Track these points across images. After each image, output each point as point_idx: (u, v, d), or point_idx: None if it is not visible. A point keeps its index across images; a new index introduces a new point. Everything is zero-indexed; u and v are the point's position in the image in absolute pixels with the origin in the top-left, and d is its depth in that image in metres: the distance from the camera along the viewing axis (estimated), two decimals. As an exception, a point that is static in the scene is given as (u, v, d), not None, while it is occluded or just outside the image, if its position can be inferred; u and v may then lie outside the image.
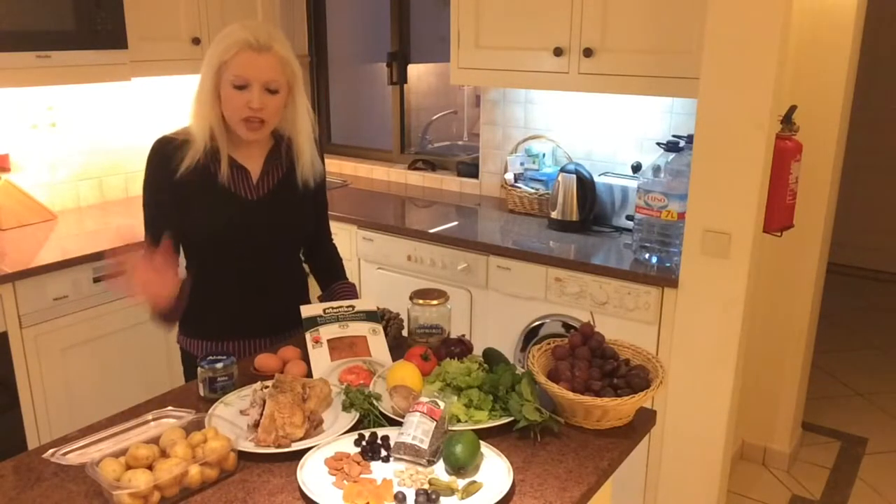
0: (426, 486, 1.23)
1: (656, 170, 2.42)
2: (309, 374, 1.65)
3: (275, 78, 1.65)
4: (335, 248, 2.05)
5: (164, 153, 1.71)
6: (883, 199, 5.11)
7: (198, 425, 1.38)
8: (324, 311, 1.76)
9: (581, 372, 1.47)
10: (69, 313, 2.55)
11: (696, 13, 2.30)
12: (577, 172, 2.79)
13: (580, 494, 1.26)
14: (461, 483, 1.25)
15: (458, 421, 1.41)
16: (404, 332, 1.87)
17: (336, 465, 1.29)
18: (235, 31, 1.64)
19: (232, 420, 1.43)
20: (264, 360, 1.69)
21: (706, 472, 2.39)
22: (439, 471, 1.30)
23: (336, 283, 1.99)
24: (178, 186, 1.70)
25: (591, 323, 1.60)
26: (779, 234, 2.30)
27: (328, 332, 1.73)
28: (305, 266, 2.01)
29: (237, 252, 1.79)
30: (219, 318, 1.85)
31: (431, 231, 2.83)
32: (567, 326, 2.55)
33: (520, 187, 3.07)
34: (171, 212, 1.73)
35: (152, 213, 1.76)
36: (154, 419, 1.45)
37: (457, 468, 1.27)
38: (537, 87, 2.83)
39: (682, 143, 2.45)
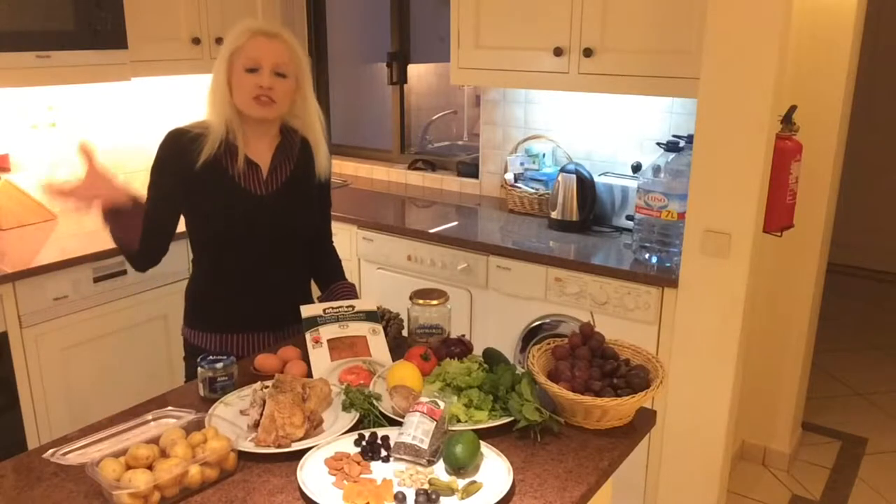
0: (426, 486, 1.23)
1: (656, 170, 2.42)
2: (309, 374, 1.65)
3: (284, 62, 1.70)
4: (334, 249, 2.06)
5: (180, 144, 1.74)
6: (883, 199, 5.11)
7: (198, 425, 1.38)
8: (324, 311, 1.76)
9: (581, 372, 1.47)
10: (69, 313, 2.55)
11: (696, 13, 2.30)
12: (577, 172, 2.79)
13: (580, 494, 1.26)
14: (461, 483, 1.25)
15: (458, 421, 1.41)
16: (404, 332, 1.87)
17: (336, 465, 1.29)
18: (246, 22, 1.73)
19: (232, 420, 1.44)
20: (264, 360, 1.69)
21: (706, 472, 2.39)
22: (439, 471, 1.30)
23: (336, 283, 1.99)
24: (191, 179, 1.73)
25: (591, 323, 1.60)
26: (779, 234, 2.30)
27: (328, 332, 1.73)
28: None
29: (244, 246, 1.81)
30: (224, 311, 1.87)
31: (431, 231, 2.83)
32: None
33: (520, 187, 3.07)
34: (178, 201, 1.77)
35: (157, 197, 1.78)
36: (154, 419, 1.45)
37: (457, 468, 1.27)
38: (537, 87, 2.83)
39: (682, 143, 2.45)
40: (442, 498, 1.21)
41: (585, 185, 2.78)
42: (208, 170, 1.73)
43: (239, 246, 1.80)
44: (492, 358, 1.62)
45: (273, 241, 1.83)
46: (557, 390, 1.42)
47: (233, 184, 1.77)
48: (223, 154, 1.75)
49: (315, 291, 2.03)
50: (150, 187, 1.78)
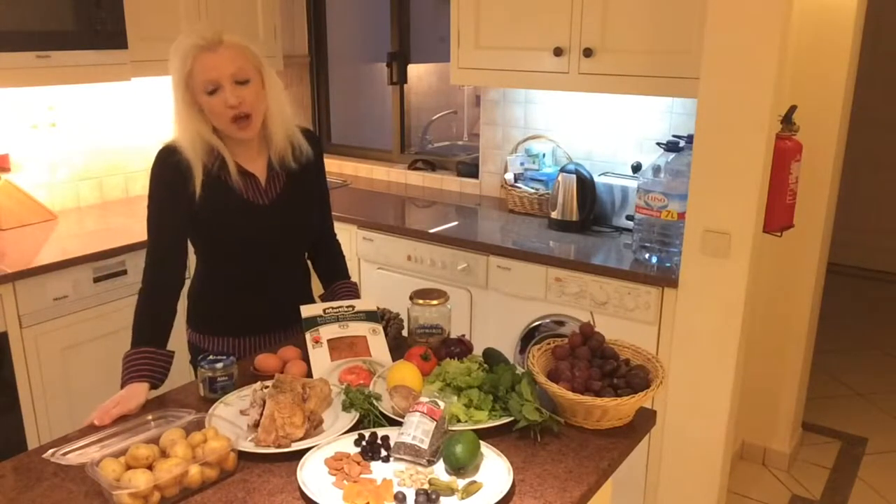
0: (426, 486, 1.23)
1: (656, 170, 2.42)
2: (309, 374, 1.65)
3: (239, 67, 1.62)
4: (339, 245, 2.05)
5: (178, 173, 1.67)
6: (883, 198, 5.10)
7: (198, 425, 1.38)
8: (324, 311, 1.76)
9: (581, 372, 1.47)
10: (69, 313, 2.55)
11: (696, 13, 2.30)
12: (577, 172, 2.79)
13: (580, 494, 1.26)
14: (461, 483, 1.25)
15: (458, 421, 1.41)
16: (404, 332, 1.87)
17: (336, 465, 1.29)
18: (183, 41, 1.63)
19: (232, 420, 1.44)
20: (264, 360, 1.69)
21: (706, 472, 2.39)
22: (439, 471, 1.30)
23: (337, 282, 1.99)
24: (196, 207, 1.69)
25: (591, 323, 1.60)
26: (779, 234, 2.30)
27: (328, 332, 1.73)
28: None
29: (251, 254, 1.80)
30: (234, 315, 1.86)
31: (431, 231, 2.83)
32: (559, 322, 2.56)
33: (520, 187, 3.07)
34: (187, 229, 1.74)
35: (164, 231, 1.72)
36: (154, 419, 1.45)
37: (457, 468, 1.27)
38: (537, 87, 2.83)
39: (682, 143, 2.45)
40: (442, 498, 1.21)
41: (585, 185, 2.78)
42: (210, 191, 1.69)
43: (246, 254, 1.79)
44: (492, 358, 1.62)
45: (280, 244, 1.82)
46: (557, 390, 1.42)
47: (236, 199, 1.73)
48: (220, 172, 1.71)
49: (315, 285, 2.02)
50: (157, 226, 1.72)
